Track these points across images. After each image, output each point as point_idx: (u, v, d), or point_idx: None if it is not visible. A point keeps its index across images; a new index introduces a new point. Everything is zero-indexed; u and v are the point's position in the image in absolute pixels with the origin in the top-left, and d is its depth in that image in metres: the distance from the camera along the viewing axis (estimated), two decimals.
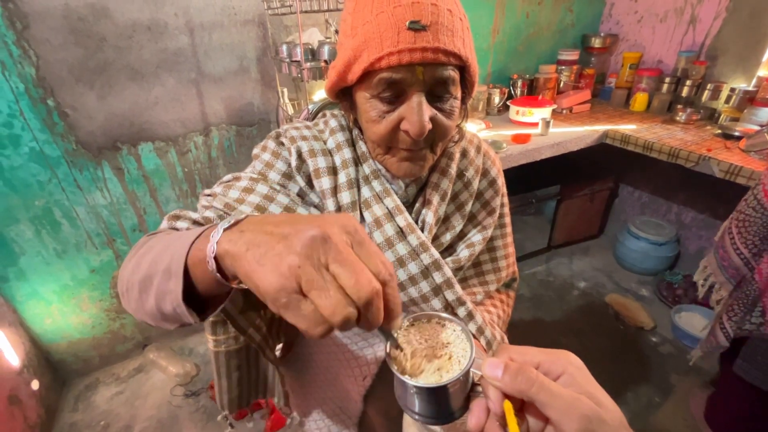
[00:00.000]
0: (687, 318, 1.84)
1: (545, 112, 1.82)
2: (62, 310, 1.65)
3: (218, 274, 0.34)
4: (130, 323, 1.81)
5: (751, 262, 1.09)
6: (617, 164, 2.28)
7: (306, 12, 1.18)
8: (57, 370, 1.74)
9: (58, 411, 1.65)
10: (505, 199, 0.77)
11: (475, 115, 1.98)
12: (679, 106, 1.85)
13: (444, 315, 0.41)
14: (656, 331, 1.87)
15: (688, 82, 1.87)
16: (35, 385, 1.55)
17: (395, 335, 0.37)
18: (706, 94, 1.82)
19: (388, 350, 0.37)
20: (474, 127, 1.80)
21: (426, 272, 0.60)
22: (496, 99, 2.05)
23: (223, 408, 0.74)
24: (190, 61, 1.46)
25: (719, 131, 1.65)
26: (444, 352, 0.37)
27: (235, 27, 1.48)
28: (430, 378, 0.35)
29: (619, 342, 1.83)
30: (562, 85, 2.16)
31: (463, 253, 0.67)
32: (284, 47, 1.35)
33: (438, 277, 0.60)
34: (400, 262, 0.59)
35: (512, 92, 2.12)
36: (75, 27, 1.27)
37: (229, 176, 0.61)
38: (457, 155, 0.67)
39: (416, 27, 0.45)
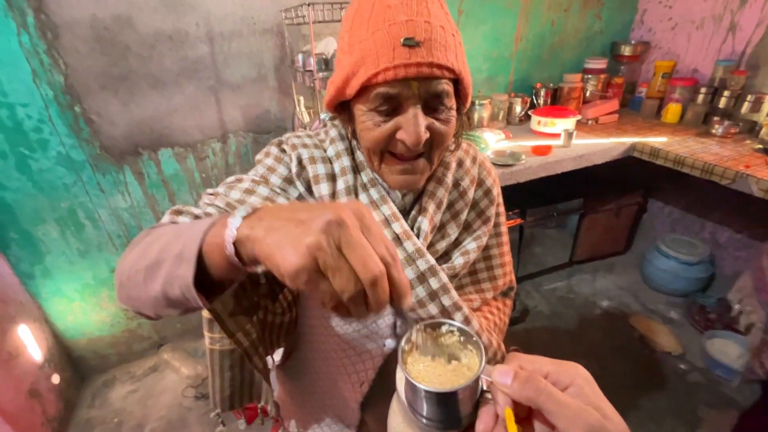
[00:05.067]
0: (720, 345, 1.71)
1: (568, 122, 1.75)
2: (84, 308, 1.71)
3: (236, 258, 0.36)
4: (147, 323, 1.85)
5: None
6: (647, 178, 2.17)
7: (319, 22, 1.18)
8: (77, 366, 1.80)
9: (76, 406, 1.71)
10: (501, 209, 0.78)
11: (495, 125, 1.93)
12: (716, 119, 1.74)
13: (455, 323, 0.41)
14: (685, 357, 1.75)
15: (726, 93, 1.75)
16: (56, 379, 1.61)
17: (410, 320, 0.41)
18: (745, 106, 1.70)
19: (401, 350, 0.38)
20: (493, 137, 1.75)
21: (422, 277, 0.60)
22: (518, 108, 1.99)
23: (216, 406, 0.75)
24: (209, 69, 1.50)
25: (760, 146, 1.54)
26: (455, 359, 0.39)
27: (253, 36, 1.51)
28: (440, 383, 0.37)
29: (644, 368, 1.72)
30: (588, 94, 2.08)
31: (458, 260, 0.68)
32: (300, 56, 1.36)
33: (434, 283, 0.61)
34: None
35: (534, 102, 2.05)
36: (101, 36, 1.32)
37: (232, 178, 0.63)
38: (453, 165, 0.68)
39: (411, 43, 0.47)
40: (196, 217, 0.56)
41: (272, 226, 0.33)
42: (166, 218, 0.56)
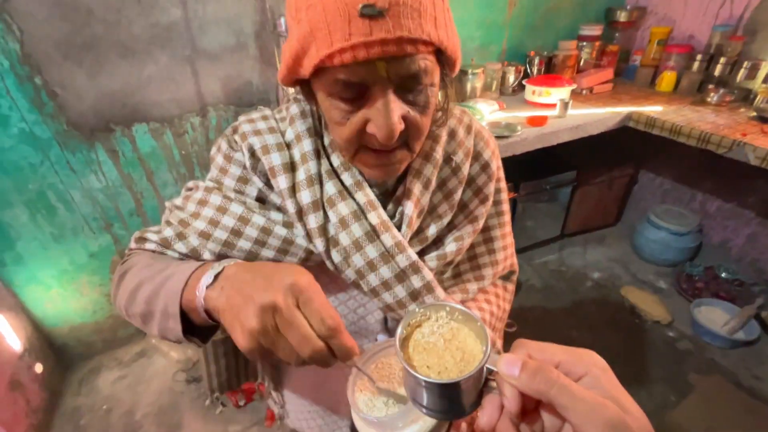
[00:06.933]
0: (707, 313, 1.75)
1: (564, 92, 1.70)
2: (62, 295, 1.63)
3: (211, 321, 0.43)
4: None
5: None
6: (639, 149, 2.15)
7: None
8: (60, 354, 1.74)
9: (61, 395, 1.66)
10: (502, 184, 0.68)
11: (488, 95, 1.86)
12: (711, 87, 1.71)
13: (458, 306, 0.38)
14: (674, 325, 1.78)
15: (722, 60, 1.72)
16: (38, 368, 1.55)
17: (365, 371, 0.42)
18: (741, 73, 1.67)
19: (399, 338, 0.37)
20: (487, 108, 1.69)
21: (402, 276, 0.53)
22: (511, 78, 1.92)
23: (214, 391, 0.75)
24: (183, 36, 1.38)
25: (755, 114, 1.52)
26: (458, 346, 0.37)
27: None
28: (443, 372, 0.35)
29: (635, 337, 1.75)
30: (582, 63, 2.02)
31: (450, 247, 0.59)
32: (282, 20, 1.25)
33: (416, 281, 0.53)
34: (371, 266, 0.52)
35: (528, 71, 1.98)
36: None
37: (190, 183, 0.60)
38: (444, 137, 0.57)
39: (371, 13, 0.36)
40: (158, 242, 0.56)
41: (228, 302, 0.38)
42: (133, 245, 0.58)
